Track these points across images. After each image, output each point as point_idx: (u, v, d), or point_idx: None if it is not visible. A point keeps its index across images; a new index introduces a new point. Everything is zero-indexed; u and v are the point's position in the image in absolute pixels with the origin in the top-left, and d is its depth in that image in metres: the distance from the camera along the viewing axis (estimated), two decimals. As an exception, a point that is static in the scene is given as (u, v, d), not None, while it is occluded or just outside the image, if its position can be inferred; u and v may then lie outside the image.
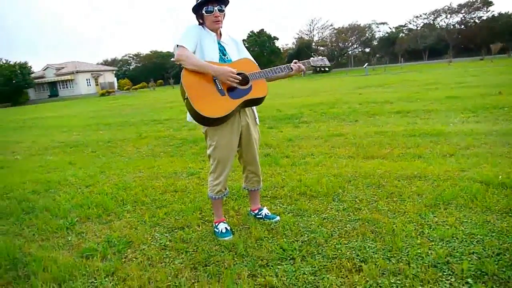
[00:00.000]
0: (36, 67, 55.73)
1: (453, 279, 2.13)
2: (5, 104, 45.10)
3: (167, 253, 2.79)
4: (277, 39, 60.87)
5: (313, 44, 62.52)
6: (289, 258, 2.53)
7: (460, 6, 58.02)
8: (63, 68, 55.93)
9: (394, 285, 2.13)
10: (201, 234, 3.06)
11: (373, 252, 2.49)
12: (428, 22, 63.99)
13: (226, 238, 2.90)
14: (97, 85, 55.90)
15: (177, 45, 2.72)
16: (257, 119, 3.10)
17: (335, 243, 2.68)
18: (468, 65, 34.90)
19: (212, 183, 3.02)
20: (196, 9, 2.85)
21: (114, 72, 63.80)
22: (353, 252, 2.53)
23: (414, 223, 2.88)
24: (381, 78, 26.02)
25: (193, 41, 2.78)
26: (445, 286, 2.08)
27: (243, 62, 2.91)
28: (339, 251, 2.56)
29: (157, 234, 3.14)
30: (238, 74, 2.76)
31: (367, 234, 2.76)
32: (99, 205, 3.95)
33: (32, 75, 51.98)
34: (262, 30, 60.56)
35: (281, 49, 64.43)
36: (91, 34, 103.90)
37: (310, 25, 65.17)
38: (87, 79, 55.60)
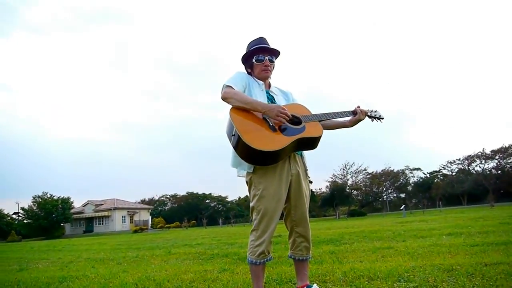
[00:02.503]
0: (77, 201, 57.70)
1: None
2: (41, 238, 45.62)
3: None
4: (311, 182, 61.54)
5: (347, 188, 62.49)
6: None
7: (494, 152, 58.26)
8: (102, 204, 57.76)
9: None
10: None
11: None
12: (462, 167, 63.93)
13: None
14: (131, 222, 56.57)
15: (225, 85, 2.58)
16: (308, 172, 2.74)
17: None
18: (513, 208, 33.24)
19: (253, 243, 2.52)
20: (246, 59, 2.80)
21: (150, 210, 65.03)
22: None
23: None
24: (421, 218, 24.90)
25: (241, 84, 2.65)
26: None
27: (295, 106, 2.71)
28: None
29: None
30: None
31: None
32: (117, 289, 3.39)
33: (72, 210, 53.60)
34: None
35: (315, 192, 64.70)
36: (133, 175, 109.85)
37: (343, 169, 65.95)
38: (123, 216, 56.63)
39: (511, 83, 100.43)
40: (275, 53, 2.81)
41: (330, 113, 2.72)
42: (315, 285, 2.67)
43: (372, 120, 2.94)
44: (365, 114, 2.84)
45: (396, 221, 19.11)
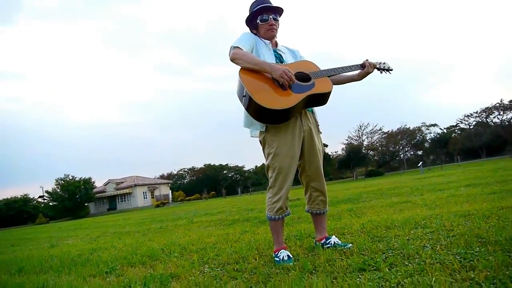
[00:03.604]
0: (98, 181, 59.10)
1: None
2: (67, 218, 47.08)
3: (217, 280, 2.29)
4: (327, 146, 61.68)
5: (363, 148, 62.31)
6: (372, 269, 1.97)
7: (512, 102, 57.09)
8: (122, 182, 58.95)
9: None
10: (258, 263, 2.54)
11: (485, 256, 1.88)
12: (480, 120, 62.84)
13: (290, 264, 2.38)
14: (152, 197, 57.77)
15: (233, 46, 2.59)
16: (320, 127, 2.77)
17: (430, 253, 2.09)
18: (534, 157, 32.82)
19: (271, 200, 2.60)
20: (250, 20, 2.79)
21: (169, 185, 66.17)
22: (458, 257, 1.93)
23: None
24: (440, 173, 24.82)
25: (249, 44, 2.65)
26: None
27: (304, 63, 2.72)
28: (439, 257, 1.97)
29: (207, 269, 2.65)
30: (298, 73, 2.55)
31: (473, 242, 2.15)
32: (144, 255, 3.55)
33: (94, 190, 54.91)
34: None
35: (331, 156, 64.74)
36: (150, 152, 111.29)
37: (358, 130, 65.46)
38: (144, 192, 57.81)
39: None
40: (279, 11, 2.79)
41: (338, 68, 2.73)
42: (333, 236, 2.75)
43: (381, 72, 2.93)
44: (374, 66, 2.84)
45: (414, 178, 19.11)
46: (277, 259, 2.50)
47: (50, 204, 52.42)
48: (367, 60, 2.83)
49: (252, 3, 2.77)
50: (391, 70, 2.94)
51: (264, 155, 2.67)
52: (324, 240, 2.73)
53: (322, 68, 2.69)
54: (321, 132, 2.78)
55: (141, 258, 3.38)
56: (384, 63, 2.93)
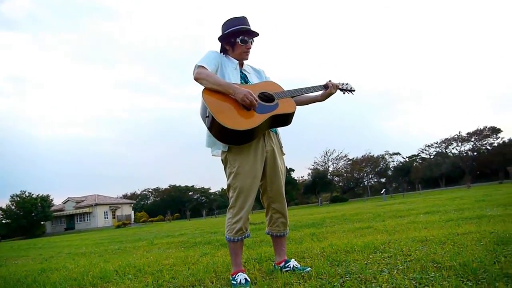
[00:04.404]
0: (57, 198, 56.89)
1: None
2: (21, 237, 44.70)
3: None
4: (293, 170, 62.14)
5: (329, 174, 63.18)
6: (329, 293, 1.93)
7: (470, 135, 59.68)
8: (83, 201, 56.88)
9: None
10: (215, 287, 2.46)
11: (439, 281, 1.89)
12: (440, 150, 65.37)
13: (246, 287, 2.31)
14: (114, 218, 55.95)
15: (197, 65, 2.56)
16: (283, 149, 2.76)
17: (387, 277, 2.08)
18: (489, 187, 34.19)
19: (231, 220, 2.54)
20: (227, 37, 2.74)
21: (132, 205, 64.39)
22: (413, 281, 1.93)
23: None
24: (401, 200, 25.40)
25: (214, 63, 2.63)
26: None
27: (268, 84, 2.72)
28: (395, 281, 1.96)
29: (161, 292, 2.54)
30: (261, 93, 2.55)
31: (428, 267, 2.16)
32: (96, 277, 3.37)
33: (52, 208, 52.62)
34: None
35: (297, 180, 65.20)
36: (113, 171, 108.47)
37: (324, 156, 66.55)
38: (105, 212, 55.92)
39: (483, 68, 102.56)
40: (255, 36, 2.80)
41: (302, 89, 2.74)
42: (293, 260, 2.70)
43: (344, 93, 2.97)
44: (336, 87, 2.87)
45: (377, 205, 19.45)
46: (234, 282, 2.42)
47: (3, 221, 49.64)
48: (330, 81, 2.86)
49: (232, 20, 2.71)
50: (354, 90, 2.98)
51: (226, 175, 2.62)
52: (283, 263, 2.68)
53: (285, 89, 2.70)
54: (284, 154, 2.77)
55: (92, 280, 3.20)
56: (346, 84, 2.97)
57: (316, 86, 2.81)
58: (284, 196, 2.71)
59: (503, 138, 59.40)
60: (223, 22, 2.76)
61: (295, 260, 2.72)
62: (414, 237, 3.62)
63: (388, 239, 3.63)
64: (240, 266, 2.55)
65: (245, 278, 2.42)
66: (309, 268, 2.56)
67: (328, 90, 2.82)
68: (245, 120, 2.39)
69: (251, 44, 2.75)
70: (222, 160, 2.64)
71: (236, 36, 2.70)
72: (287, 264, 2.65)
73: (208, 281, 2.62)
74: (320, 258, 2.98)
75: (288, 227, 2.75)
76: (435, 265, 2.25)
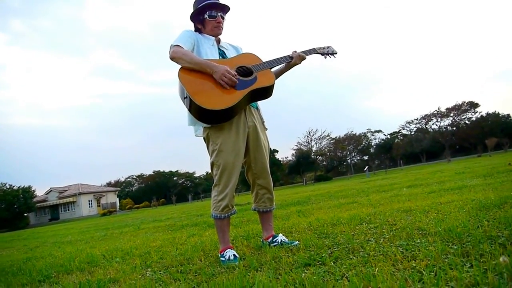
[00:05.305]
0: (40, 189, 55.92)
1: None
2: (3, 230, 44.00)
3: (159, 282, 2.18)
4: (277, 151, 62.40)
5: (312, 154, 63.71)
6: (318, 263, 1.95)
7: (449, 110, 60.86)
8: (66, 191, 56.15)
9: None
10: (203, 264, 2.45)
11: (425, 246, 1.92)
12: (420, 126, 66.51)
13: (236, 263, 2.31)
14: (98, 206, 55.51)
15: (173, 45, 2.50)
16: (265, 123, 2.74)
17: (374, 246, 2.10)
18: (468, 161, 35.03)
19: (216, 198, 2.53)
20: (197, 14, 2.71)
21: (117, 193, 63.90)
22: (400, 248, 1.96)
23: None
24: (384, 176, 25.83)
25: (190, 42, 2.57)
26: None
27: (246, 56, 2.68)
28: (382, 249, 1.99)
29: (149, 272, 2.52)
30: (239, 67, 2.51)
31: (414, 235, 2.19)
32: (83, 262, 3.33)
33: (35, 199, 51.82)
34: (261, 144, 61.84)
35: (281, 161, 65.57)
36: (95, 159, 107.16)
37: (307, 136, 66.93)
38: (89, 201, 55.40)
39: (461, 43, 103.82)
40: (226, 9, 2.75)
41: (277, 59, 2.70)
42: (280, 234, 2.71)
43: (325, 57, 2.93)
44: (302, 58, 2.80)
45: (360, 181, 19.74)
46: (223, 259, 2.42)
47: (-16, 215, 48.79)
48: (295, 51, 2.80)
49: None
50: (335, 53, 2.94)
51: (209, 152, 2.59)
52: (271, 238, 2.69)
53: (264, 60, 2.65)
54: (266, 129, 2.75)
55: (79, 265, 3.17)
56: (328, 47, 2.93)
57: (285, 57, 2.76)
58: (269, 171, 2.70)
59: (481, 112, 60.81)
60: (193, 2, 2.73)
61: (283, 235, 2.73)
62: (399, 208, 3.68)
63: (373, 211, 3.68)
64: (228, 243, 2.55)
65: (234, 254, 2.43)
66: (297, 242, 2.58)
67: (292, 60, 2.77)
68: (223, 98, 2.35)
69: (222, 18, 2.71)
70: (204, 138, 2.61)
71: (204, 13, 2.68)
72: (275, 239, 2.66)
73: (197, 259, 2.61)
74: (308, 232, 3.00)
75: (274, 202, 2.76)
76: (420, 232, 2.28)
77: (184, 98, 2.38)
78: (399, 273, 1.57)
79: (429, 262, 1.65)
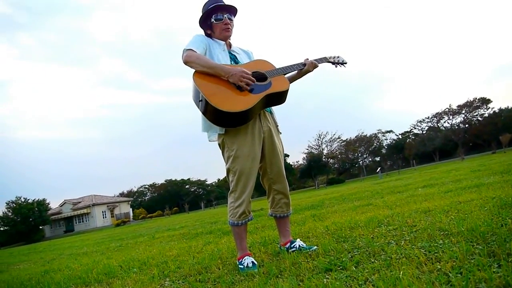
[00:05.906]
0: (54, 202, 56.60)
1: None
2: (20, 243, 44.48)
3: (179, 292, 2.16)
4: (288, 156, 62.23)
5: (323, 157, 63.35)
6: (339, 268, 1.91)
7: (460, 107, 60.03)
8: (80, 202, 56.67)
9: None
10: (222, 272, 2.43)
11: (449, 247, 1.87)
12: (432, 125, 65.75)
13: (254, 270, 2.28)
14: (112, 216, 55.88)
15: (186, 49, 2.50)
16: (279, 128, 2.72)
17: (395, 249, 2.06)
18: (482, 158, 34.53)
19: (233, 204, 2.50)
20: (204, 20, 2.71)
21: (130, 202, 64.28)
22: (423, 250, 1.91)
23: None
24: (397, 177, 25.59)
25: (202, 46, 2.57)
26: None
27: (259, 62, 2.67)
28: (404, 251, 1.94)
29: (168, 282, 2.50)
30: (254, 72, 2.50)
31: (436, 235, 2.14)
32: (101, 273, 3.33)
33: (49, 211, 52.34)
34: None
35: (292, 166, 65.32)
36: (107, 170, 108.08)
37: (318, 139, 66.59)
38: (103, 211, 55.81)
39: (471, 40, 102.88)
40: (233, 10, 2.74)
41: (292, 66, 2.71)
42: (298, 239, 2.68)
43: (336, 66, 2.94)
44: (314, 66, 2.81)
45: (373, 183, 19.57)
46: (241, 266, 2.39)
47: (1, 229, 49.37)
48: (307, 59, 2.81)
49: (205, 4, 2.71)
50: (345, 63, 2.95)
51: (224, 159, 2.57)
52: (288, 244, 2.66)
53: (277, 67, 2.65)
54: (280, 133, 2.73)
55: (97, 276, 3.17)
56: (338, 57, 2.94)
57: (298, 64, 2.76)
58: (285, 176, 2.67)
59: (493, 108, 59.92)
60: (201, 9, 2.75)
61: (301, 240, 2.69)
62: (417, 209, 3.62)
63: (391, 213, 3.63)
64: (246, 250, 2.53)
65: (252, 261, 2.40)
66: (316, 247, 2.54)
67: (305, 67, 2.76)
68: (239, 101, 2.34)
69: (229, 19, 2.70)
70: (219, 144, 2.59)
71: (210, 17, 2.67)
72: (293, 245, 2.63)
73: (215, 268, 2.59)
74: (325, 236, 2.96)
75: (291, 207, 2.73)
76: (442, 233, 2.23)
77: (199, 101, 2.37)
78: (424, 275, 1.53)
79: (454, 263, 1.61)
